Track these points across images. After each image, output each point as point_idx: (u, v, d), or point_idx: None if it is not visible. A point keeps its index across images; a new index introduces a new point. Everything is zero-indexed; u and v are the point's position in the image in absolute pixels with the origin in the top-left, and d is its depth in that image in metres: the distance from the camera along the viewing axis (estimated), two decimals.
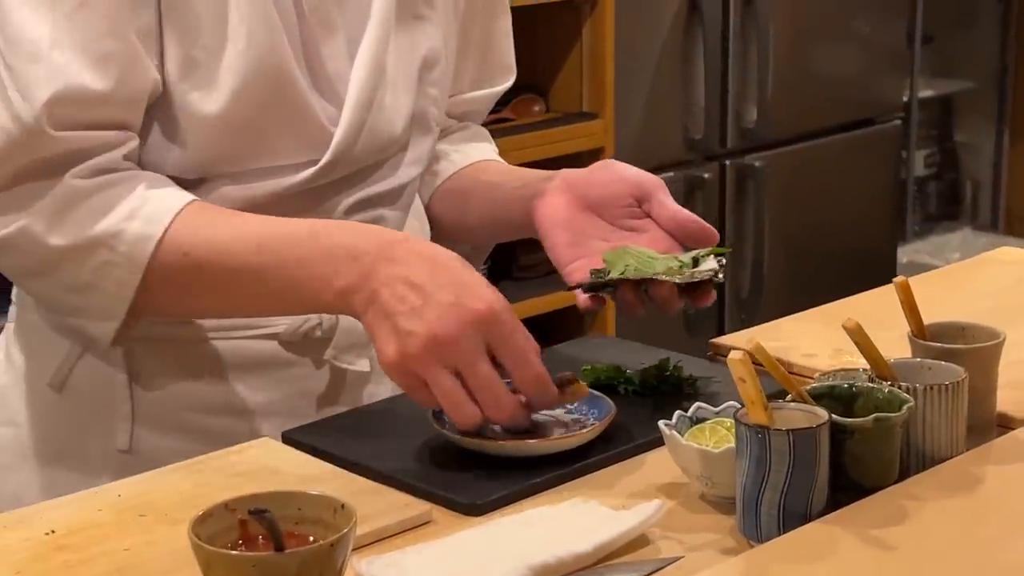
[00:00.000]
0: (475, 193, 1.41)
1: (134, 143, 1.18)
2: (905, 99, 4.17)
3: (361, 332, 1.26)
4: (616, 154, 3.02)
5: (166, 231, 1.14)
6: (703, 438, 1.09)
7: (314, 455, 1.17)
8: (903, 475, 1.06)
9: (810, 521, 1.00)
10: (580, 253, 1.25)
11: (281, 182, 1.24)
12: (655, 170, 3.72)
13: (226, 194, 1.23)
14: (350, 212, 1.29)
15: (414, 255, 1.11)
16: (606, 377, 1.28)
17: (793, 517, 1.00)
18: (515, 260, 2.91)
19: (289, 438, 1.21)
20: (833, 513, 1.00)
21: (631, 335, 1.80)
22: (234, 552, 0.91)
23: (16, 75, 1.12)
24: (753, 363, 1.01)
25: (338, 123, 1.25)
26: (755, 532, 1.01)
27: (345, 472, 1.14)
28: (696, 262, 1.22)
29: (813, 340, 1.36)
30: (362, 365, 1.30)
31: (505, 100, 2.91)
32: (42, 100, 1.11)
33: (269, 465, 1.15)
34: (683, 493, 1.10)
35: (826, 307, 1.49)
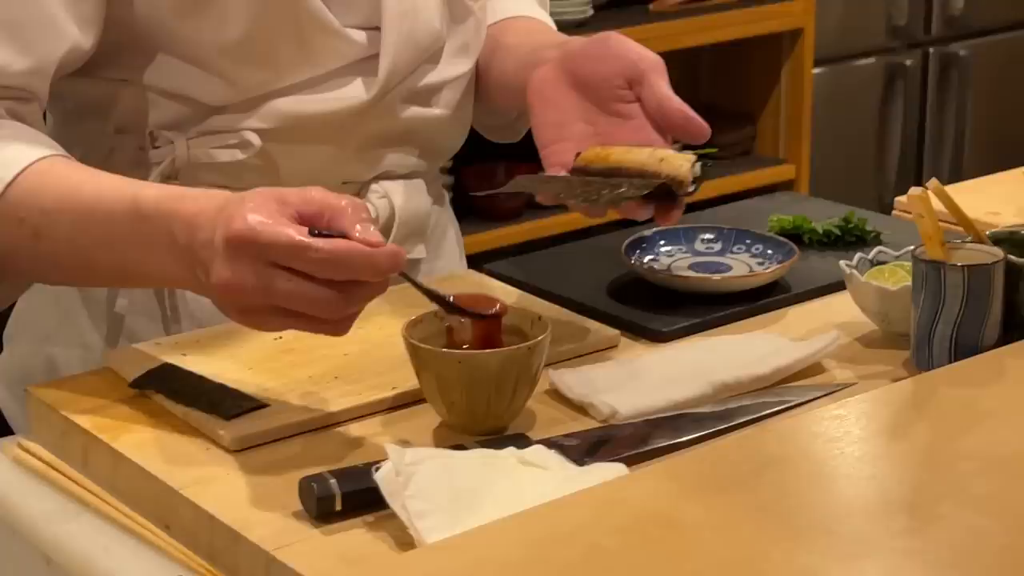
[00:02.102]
0: (493, 56, 1.32)
1: (26, 107, 1.14)
2: None
3: (417, 221, 1.29)
4: (817, 37, 3.02)
5: (7, 187, 1.08)
6: (882, 278, 1.14)
7: (513, 286, 1.27)
8: None
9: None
10: (562, 135, 1.17)
11: (328, 98, 1.21)
12: (855, 56, 3.63)
13: (278, 109, 1.20)
14: (405, 101, 1.25)
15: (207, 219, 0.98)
16: (792, 227, 1.33)
17: (965, 349, 1.05)
18: None
19: (491, 271, 1.31)
20: (1004, 347, 1.05)
21: None
22: (443, 349, 1.01)
23: None
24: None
25: (359, 26, 1.20)
26: (927, 363, 1.06)
27: (542, 300, 1.23)
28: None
29: (1002, 199, 1.38)
30: (418, 252, 1.30)
31: None
32: None
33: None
34: (861, 330, 1.16)
35: (1021, 169, 1.50)
